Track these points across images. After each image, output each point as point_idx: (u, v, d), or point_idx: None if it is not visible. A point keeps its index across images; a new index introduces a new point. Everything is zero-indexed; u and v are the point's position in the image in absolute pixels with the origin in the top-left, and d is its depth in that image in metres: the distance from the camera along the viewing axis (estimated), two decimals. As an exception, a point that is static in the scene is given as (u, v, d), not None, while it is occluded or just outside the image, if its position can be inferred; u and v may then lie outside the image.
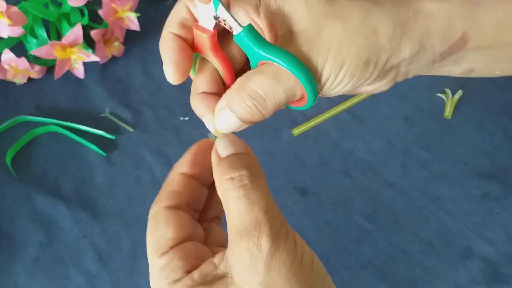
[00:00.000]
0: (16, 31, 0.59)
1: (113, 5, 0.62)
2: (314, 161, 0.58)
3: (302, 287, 0.23)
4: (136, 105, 0.63)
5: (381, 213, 0.54)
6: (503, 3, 0.28)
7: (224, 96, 0.27)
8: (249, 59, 0.28)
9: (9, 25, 0.57)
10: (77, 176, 0.57)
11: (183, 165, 0.28)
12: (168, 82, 0.70)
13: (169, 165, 0.58)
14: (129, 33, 0.68)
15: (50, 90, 0.65)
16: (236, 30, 0.27)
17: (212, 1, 0.26)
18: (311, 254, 0.24)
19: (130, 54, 0.68)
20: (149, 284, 0.27)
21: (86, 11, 0.64)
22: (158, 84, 0.65)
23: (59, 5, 0.64)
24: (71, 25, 0.63)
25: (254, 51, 0.27)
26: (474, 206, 0.54)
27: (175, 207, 0.27)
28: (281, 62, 0.26)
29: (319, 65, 0.27)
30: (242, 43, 0.27)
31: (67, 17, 0.64)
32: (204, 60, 0.30)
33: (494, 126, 0.60)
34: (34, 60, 0.65)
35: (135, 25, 0.65)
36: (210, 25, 0.27)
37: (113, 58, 0.67)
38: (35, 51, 0.59)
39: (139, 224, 0.54)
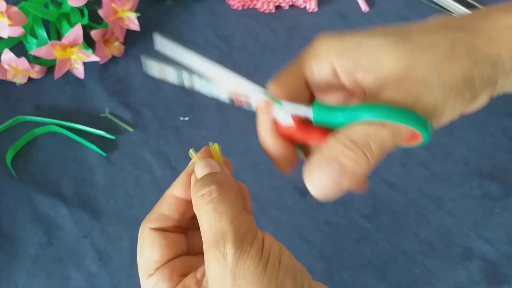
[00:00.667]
0: (16, 31, 0.59)
1: (113, 5, 0.62)
2: (314, 161, 0.58)
3: None
4: (136, 105, 0.63)
5: (381, 213, 0.54)
6: None
7: (318, 151, 0.24)
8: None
9: (9, 25, 0.57)
10: (77, 176, 0.57)
11: (176, 186, 0.29)
12: (168, 82, 0.70)
13: (169, 165, 0.58)
14: (129, 33, 0.68)
15: (50, 90, 0.65)
16: (310, 114, 0.26)
17: (276, 106, 0.26)
18: (279, 254, 0.24)
19: (130, 54, 0.68)
20: None
21: (86, 11, 0.64)
22: (158, 84, 0.65)
23: (59, 5, 0.64)
24: (71, 25, 0.63)
25: (339, 120, 0.25)
26: (474, 206, 0.54)
27: (161, 229, 0.28)
28: (377, 116, 0.23)
29: (422, 99, 0.24)
30: (323, 119, 0.25)
31: (67, 17, 0.64)
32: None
33: (494, 126, 0.60)
34: (34, 60, 0.65)
35: (135, 25, 0.66)
36: (289, 122, 0.27)
37: (113, 58, 0.68)
38: (35, 51, 0.59)
39: (139, 224, 0.54)
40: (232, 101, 0.28)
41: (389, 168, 0.57)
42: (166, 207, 0.29)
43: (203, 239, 0.25)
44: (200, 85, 0.28)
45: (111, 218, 0.54)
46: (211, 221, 0.24)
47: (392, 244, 0.52)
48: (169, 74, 0.29)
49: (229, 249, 0.23)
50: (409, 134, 0.24)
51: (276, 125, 0.28)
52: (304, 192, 0.56)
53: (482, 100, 0.28)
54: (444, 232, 0.53)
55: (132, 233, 0.53)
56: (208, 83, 0.27)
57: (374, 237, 0.53)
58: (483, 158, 0.58)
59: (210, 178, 0.26)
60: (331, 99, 0.29)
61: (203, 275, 0.26)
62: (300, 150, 0.30)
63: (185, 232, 0.30)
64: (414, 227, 0.53)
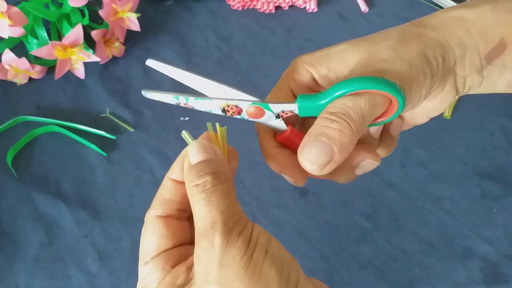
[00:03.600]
0: (17, 32, 0.59)
1: (114, 5, 0.62)
2: (314, 161, 0.58)
3: (251, 280, 0.23)
4: (136, 105, 0.63)
5: (381, 213, 0.54)
6: None
7: (307, 133, 0.27)
8: None
9: (9, 26, 0.57)
10: (78, 176, 0.57)
11: (173, 171, 0.29)
12: (168, 82, 0.71)
13: (169, 165, 0.57)
14: (130, 34, 0.68)
15: (50, 90, 0.65)
16: (295, 109, 0.28)
17: (265, 110, 0.28)
18: (266, 245, 0.25)
19: (131, 55, 0.69)
20: None
21: (86, 12, 0.64)
22: (158, 84, 0.65)
23: (60, 5, 0.64)
24: (72, 25, 0.63)
25: (322, 107, 0.27)
26: (474, 205, 0.55)
27: (165, 215, 0.28)
28: (346, 89, 0.26)
29: (387, 71, 0.27)
30: (308, 111, 0.28)
31: (68, 18, 0.64)
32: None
33: (494, 126, 0.60)
34: (34, 60, 0.65)
35: (135, 26, 0.66)
36: (283, 125, 0.30)
37: (114, 59, 0.68)
38: (35, 51, 0.59)
39: (140, 224, 0.54)
40: (224, 111, 0.29)
41: (389, 168, 0.57)
42: (166, 191, 0.29)
43: (195, 228, 0.26)
44: (194, 104, 0.31)
45: (112, 217, 0.54)
46: (203, 211, 0.25)
47: (391, 243, 0.52)
48: (167, 99, 0.32)
49: (217, 239, 0.24)
50: (384, 104, 0.27)
51: (274, 136, 0.31)
52: (304, 192, 0.56)
53: (449, 92, 0.30)
54: (443, 232, 0.53)
55: (133, 233, 0.53)
56: (201, 100, 0.30)
57: (374, 237, 0.53)
58: (482, 158, 0.58)
59: (204, 168, 0.26)
60: None
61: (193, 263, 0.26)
62: None
63: (190, 220, 0.30)
64: (413, 226, 0.53)
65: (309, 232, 0.53)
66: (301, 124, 0.33)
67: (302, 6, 0.73)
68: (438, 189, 0.56)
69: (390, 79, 0.26)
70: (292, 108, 0.28)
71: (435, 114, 0.33)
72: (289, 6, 0.73)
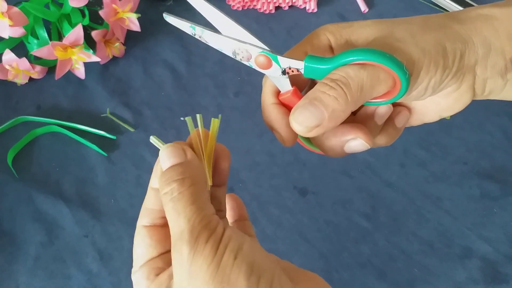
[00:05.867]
0: (17, 32, 0.59)
1: (114, 5, 0.62)
2: (314, 161, 0.58)
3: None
4: (136, 105, 0.63)
5: (381, 213, 0.54)
6: None
7: (305, 95, 0.27)
8: None
9: (10, 26, 0.57)
10: (78, 176, 0.58)
11: (152, 179, 0.29)
12: (168, 82, 0.71)
13: (169, 165, 0.58)
14: (130, 34, 0.69)
15: (51, 90, 0.65)
16: (302, 67, 0.27)
17: (273, 61, 0.28)
18: (236, 250, 0.24)
19: (131, 55, 0.69)
20: None
21: (87, 12, 0.64)
22: (158, 84, 0.65)
23: (60, 5, 0.64)
24: (72, 25, 0.63)
25: (327, 71, 0.27)
26: (473, 205, 0.55)
27: (150, 225, 0.29)
28: (355, 58, 0.25)
29: (400, 51, 0.26)
30: (313, 72, 0.27)
31: (68, 18, 0.64)
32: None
33: (493, 126, 0.60)
34: (35, 60, 0.65)
35: (135, 26, 0.66)
36: (287, 84, 0.29)
37: (114, 59, 0.68)
38: (36, 51, 0.60)
39: (140, 224, 0.54)
40: (235, 54, 0.29)
41: (389, 168, 0.57)
42: (148, 201, 0.29)
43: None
44: (208, 37, 0.30)
45: (112, 217, 0.54)
46: (172, 220, 0.25)
47: (391, 243, 0.52)
48: (184, 27, 0.32)
49: (184, 249, 0.23)
50: (387, 83, 0.26)
51: (277, 94, 0.30)
52: (304, 192, 0.56)
53: (465, 92, 0.29)
54: (443, 232, 0.53)
55: (133, 233, 0.53)
56: (215, 36, 0.29)
57: (374, 237, 0.53)
58: (482, 158, 0.58)
59: (171, 175, 0.26)
60: None
61: None
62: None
63: None
64: (413, 226, 0.53)
65: (309, 232, 0.53)
66: (307, 90, 0.32)
67: (302, 6, 0.73)
68: (438, 189, 0.56)
69: (399, 54, 0.26)
70: (299, 66, 0.27)
71: (447, 114, 0.31)
72: (289, 7, 0.73)
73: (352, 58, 0.25)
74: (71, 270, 0.51)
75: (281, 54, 0.28)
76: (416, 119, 0.34)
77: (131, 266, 0.52)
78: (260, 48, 0.28)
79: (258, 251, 0.25)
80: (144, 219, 0.29)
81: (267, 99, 0.30)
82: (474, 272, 0.50)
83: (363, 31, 0.29)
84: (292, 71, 0.28)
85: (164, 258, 0.28)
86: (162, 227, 0.29)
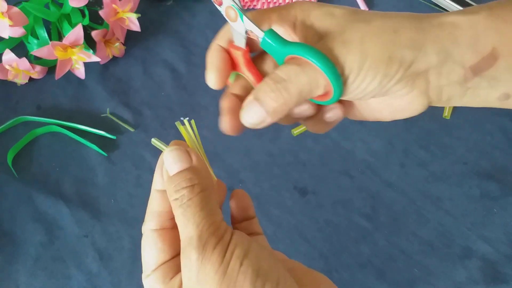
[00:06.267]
0: (17, 32, 0.59)
1: (114, 5, 0.62)
2: (314, 161, 0.58)
3: None
4: (136, 105, 0.63)
5: (381, 213, 0.54)
6: None
7: (252, 91, 0.29)
8: (277, 61, 0.30)
9: (10, 26, 0.57)
10: (78, 176, 0.58)
11: (156, 181, 0.29)
12: (168, 82, 0.71)
13: (169, 165, 0.58)
14: (130, 34, 0.69)
15: (51, 90, 0.65)
16: (260, 36, 0.29)
17: (239, 18, 0.29)
18: (242, 257, 0.24)
19: (131, 55, 0.69)
20: None
21: (87, 12, 0.64)
22: (158, 84, 0.65)
23: (60, 5, 0.64)
24: (72, 25, 0.63)
25: (279, 51, 0.29)
26: (473, 205, 0.55)
27: (159, 228, 0.29)
28: (302, 53, 0.27)
29: (342, 56, 0.27)
30: (268, 46, 0.29)
31: (68, 18, 0.64)
32: (241, 76, 0.32)
33: (493, 126, 0.60)
34: (35, 60, 0.65)
35: (135, 26, 0.66)
36: (242, 43, 0.30)
37: (114, 59, 0.68)
38: (36, 51, 0.60)
39: (140, 224, 0.54)
40: None
41: (388, 168, 0.57)
42: (154, 203, 0.29)
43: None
44: None
45: (112, 217, 0.54)
46: (181, 226, 0.25)
47: (391, 243, 0.52)
48: None
49: (193, 255, 0.24)
50: (325, 88, 0.28)
51: (229, 41, 0.31)
52: (304, 192, 0.56)
53: (417, 97, 0.29)
54: (443, 232, 0.53)
55: (133, 233, 0.53)
56: None
57: (374, 237, 0.53)
58: (482, 158, 0.58)
59: (180, 182, 0.26)
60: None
61: None
62: (233, 77, 0.33)
63: None
64: (413, 226, 0.53)
65: (309, 232, 0.53)
66: (259, 56, 0.33)
67: (302, 6, 0.73)
68: (438, 189, 0.56)
69: (339, 60, 0.27)
70: (259, 34, 0.29)
71: (402, 115, 0.32)
72: (289, 6, 0.73)
73: (300, 53, 0.28)
74: (71, 270, 0.51)
75: (248, 16, 0.29)
76: (370, 115, 0.34)
77: (131, 266, 0.52)
78: (233, 1, 0.29)
79: (264, 255, 0.25)
80: (152, 223, 0.29)
81: (218, 39, 0.32)
82: (474, 272, 0.50)
83: (327, 21, 0.30)
84: (252, 35, 0.29)
85: (177, 261, 0.28)
86: (172, 229, 0.29)
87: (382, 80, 0.28)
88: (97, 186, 0.57)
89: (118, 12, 0.63)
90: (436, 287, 0.50)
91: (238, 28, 0.30)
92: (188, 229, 0.25)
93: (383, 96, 0.30)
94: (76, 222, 0.54)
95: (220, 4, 0.30)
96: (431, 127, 0.61)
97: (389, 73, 0.28)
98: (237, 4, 0.29)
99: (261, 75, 0.31)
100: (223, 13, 0.30)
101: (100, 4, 0.63)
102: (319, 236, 0.53)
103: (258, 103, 0.28)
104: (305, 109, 0.32)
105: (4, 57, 0.61)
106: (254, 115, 0.28)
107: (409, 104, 0.30)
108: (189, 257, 0.24)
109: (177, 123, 0.30)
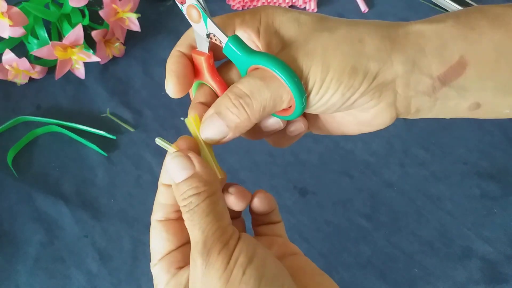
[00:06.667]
0: (17, 32, 0.59)
1: (114, 6, 0.62)
2: (314, 161, 0.58)
3: None
4: (136, 105, 0.63)
5: (381, 213, 0.54)
6: (498, 29, 0.27)
7: (213, 104, 0.28)
8: (239, 70, 0.28)
9: (10, 26, 0.57)
10: (78, 176, 0.58)
11: (163, 176, 0.29)
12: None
13: (169, 165, 0.58)
14: (130, 34, 0.69)
15: (51, 90, 0.65)
16: (224, 42, 0.27)
17: (202, 20, 0.27)
18: (246, 265, 0.25)
19: (131, 55, 0.69)
20: (150, 283, 0.29)
21: (87, 12, 0.64)
22: (158, 84, 0.65)
23: (60, 5, 0.64)
24: (72, 25, 0.63)
25: (242, 60, 0.27)
26: (473, 205, 0.55)
27: (164, 219, 0.29)
28: (266, 64, 0.26)
29: (305, 67, 0.27)
30: (231, 53, 0.27)
31: (68, 18, 0.64)
32: (204, 84, 0.31)
33: (493, 126, 0.60)
34: (35, 60, 0.65)
35: (135, 26, 0.66)
36: (205, 47, 0.29)
37: (114, 59, 0.68)
38: (36, 51, 0.60)
39: (140, 224, 0.54)
40: None
41: (388, 168, 0.57)
42: (161, 197, 0.30)
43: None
44: None
45: (112, 217, 0.54)
46: (189, 231, 0.26)
47: (391, 243, 0.52)
48: None
49: (198, 260, 0.25)
50: (288, 102, 0.27)
51: (191, 47, 0.30)
52: (304, 191, 0.56)
53: (384, 110, 0.28)
54: (443, 232, 0.53)
55: (133, 233, 0.53)
56: None
57: (374, 237, 0.53)
58: (482, 158, 0.58)
59: (185, 190, 0.26)
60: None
61: None
62: (196, 87, 0.31)
63: None
64: (413, 226, 0.53)
65: (309, 232, 0.53)
66: (224, 63, 0.32)
67: (302, 6, 0.73)
68: (438, 189, 0.56)
69: (303, 72, 0.27)
70: (222, 39, 0.27)
71: (368, 129, 0.31)
72: (289, 6, 0.73)
73: (264, 63, 0.26)
74: (71, 270, 0.51)
75: (211, 18, 0.27)
76: (335, 128, 0.33)
77: (131, 266, 0.52)
78: (196, 1, 0.27)
79: (269, 262, 0.26)
80: (158, 214, 0.29)
81: (179, 46, 0.30)
82: (474, 272, 0.50)
83: (291, 28, 0.29)
84: (215, 40, 0.28)
85: (182, 251, 0.29)
86: (177, 220, 0.29)
87: (345, 92, 0.27)
88: (97, 186, 0.57)
89: (118, 12, 0.63)
90: (436, 287, 0.50)
91: (200, 31, 0.28)
92: (194, 234, 0.25)
93: (349, 110, 0.29)
94: (76, 222, 0.54)
95: (183, 3, 0.28)
96: (431, 127, 0.61)
97: (353, 85, 0.27)
98: (201, 4, 0.27)
99: (225, 84, 0.29)
100: (185, 12, 0.28)
101: (100, 4, 0.63)
102: (319, 236, 0.53)
103: (220, 118, 0.27)
104: (274, 123, 0.30)
105: (4, 57, 0.61)
106: (215, 129, 0.27)
107: (376, 117, 0.29)
108: (195, 261, 0.25)
109: (186, 120, 0.29)
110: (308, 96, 0.27)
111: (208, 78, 0.29)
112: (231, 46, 0.27)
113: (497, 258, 0.51)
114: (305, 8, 0.73)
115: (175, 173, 0.27)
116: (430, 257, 0.51)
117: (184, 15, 0.28)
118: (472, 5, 0.72)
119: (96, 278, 0.50)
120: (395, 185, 0.56)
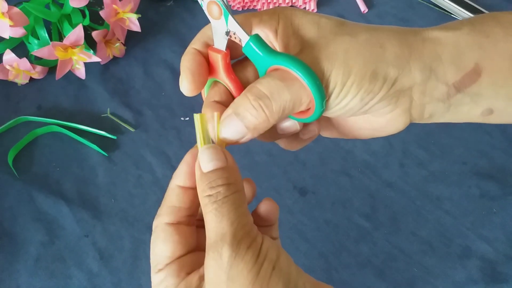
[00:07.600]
0: (18, 32, 0.59)
1: (114, 6, 0.62)
2: (314, 161, 0.58)
3: None
4: (137, 105, 0.64)
5: (380, 213, 0.55)
6: None
7: (231, 104, 0.28)
8: (258, 69, 0.28)
9: (10, 26, 0.57)
10: (79, 176, 0.58)
11: (179, 177, 0.29)
12: (168, 82, 0.71)
13: (169, 165, 0.58)
14: (130, 34, 0.69)
15: (51, 90, 0.65)
16: (244, 40, 0.27)
17: (223, 16, 0.27)
18: (275, 260, 0.25)
19: (131, 55, 0.69)
20: (150, 283, 0.29)
21: (87, 12, 0.64)
22: (158, 84, 0.66)
23: (61, 6, 0.64)
24: (73, 26, 0.63)
25: (262, 60, 0.27)
26: (473, 205, 0.55)
27: (176, 222, 0.29)
28: (287, 65, 0.26)
29: (326, 70, 0.27)
30: (250, 52, 0.27)
31: (69, 18, 0.64)
32: (218, 82, 0.31)
33: (492, 126, 0.60)
34: (35, 60, 0.65)
35: (136, 26, 0.66)
36: (223, 45, 0.28)
37: (114, 59, 0.68)
38: (36, 51, 0.60)
39: (140, 224, 0.54)
40: None
41: (388, 168, 0.58)
42: (174, 198, 0.29)
43: (206, 237, 0.26)
44: None
45: (113, 217, 0.55)
46: (214, 222, 0.25)
47: (390, 243, 0.53)
48: None
49: (226, 251, 0.24)
50: (308, 104, 0.27)
51: (206, 44, 0.30)
52: (303, 191, 0.56)
53: (399, 115, 0.29)
54: (442, 231, 0.53)
55: (133, 232, 0.54)
56: None
57: (373, 236, 0.53)
58: (481, 158, 0.58)
59: (216, 179, 0.26)
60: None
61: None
62: (209, 85, 0.31)
63: (198, 225, 0.31)
64: (412, 226, 0.54)
65: (309, 232, 0.53)
66: (239, 62, 0.31)
67: (302, 7, 0.73)
68: (437, 189, 0.56)
69: (324, 75, 0.27)
70: (243, 37, 0.27)
71: (381, 133, 0.31)
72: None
73: (285, 64, 0.26)
74: (72, 270, 0.51)
75: (233, 16, 0.27)
76: (347, 132, 0.33)
77: (132, 266, 0.52)
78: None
79: (292, 263, 0.26)
80: (168, 217, 0.29)
81: (194, 43, 0.30)
82: (474, 272, 0.50)
83: (311, 31, 0.29)
84: (235, 38, 0.27)
85: (192, 257, 0.28)
86: (187, 226, 0.29)
87: (364, 97, 0.27)
88: (97, 186, 0.57)
89: (118, 13, 0.63)
90: (436, 286, 0.50)
91: (219, 28, 0.28)
92: (222, 225, 0.25)
93: (365, 114, 0.29)
94: (76, 222, 0.54)
95: None
96: (430, 127, 0.61)
97: (373, 90, 0.27)
98: (223, 1, 0.26)
99: (240, 83, 0.29)
100: (204, 8, 0.27)
101: (100, 5, 0.63)
102: (318, 236, 0.53)
103: (238, 118, 0.27)
104: (291, 126, 0.30)
105: (4, 57, 0.61)
106: (234, 130, 0.27)
107: (390, 122, 0.30)
108: (220, 253, 0.24)
109: (200, 115, 0.28)
110: (328, 100, 0.27)
111: (223, 76, 0.29)
112: (252, 45, 0.27)
113: (497, 258, 0.51)
114: (305, 8, 0.73)
115: (206, 162, 0.27)
116: (429, 256, 0.52)
117: (204, 11, 0.28)
118: (472, 5, 0.72)
119: (97, 278, 0.51)
120: (394, 185, 0.56)
